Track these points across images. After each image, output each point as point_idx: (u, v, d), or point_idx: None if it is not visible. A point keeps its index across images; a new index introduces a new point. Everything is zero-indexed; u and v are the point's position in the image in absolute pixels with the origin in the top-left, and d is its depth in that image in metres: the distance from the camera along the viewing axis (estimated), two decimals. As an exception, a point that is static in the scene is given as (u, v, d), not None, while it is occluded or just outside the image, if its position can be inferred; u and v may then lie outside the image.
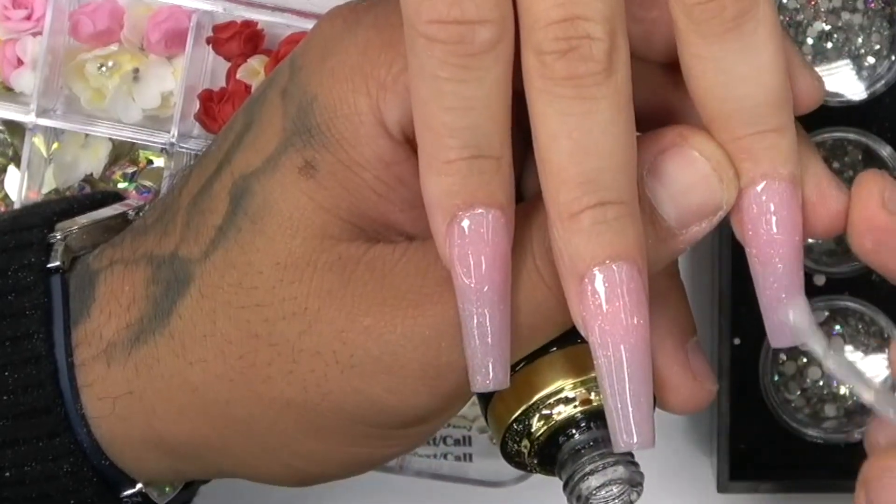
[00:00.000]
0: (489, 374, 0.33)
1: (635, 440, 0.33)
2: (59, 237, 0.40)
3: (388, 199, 0.35)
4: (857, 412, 0.61)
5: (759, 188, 0.34)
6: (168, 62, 0.58)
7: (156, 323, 0.37)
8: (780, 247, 0.34)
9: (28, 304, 0.39)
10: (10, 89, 0.59)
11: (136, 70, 0.57)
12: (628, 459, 0.36)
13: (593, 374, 0.36)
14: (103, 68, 0.57)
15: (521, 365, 0.36)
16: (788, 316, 0.34)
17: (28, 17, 0.57)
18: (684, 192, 0.34)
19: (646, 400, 0.33)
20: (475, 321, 0.33)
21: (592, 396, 0.36)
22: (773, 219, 0.34)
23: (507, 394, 0.37)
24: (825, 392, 0.61)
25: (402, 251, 0.35)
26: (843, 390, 0.61)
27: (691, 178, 0.34)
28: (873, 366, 0.61)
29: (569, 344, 0.36)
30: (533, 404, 0.37)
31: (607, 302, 0.32)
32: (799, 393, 0.61)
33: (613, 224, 0.32)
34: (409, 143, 0.35)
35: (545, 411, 0.37)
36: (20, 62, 0.58)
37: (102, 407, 0.38)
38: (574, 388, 0.37)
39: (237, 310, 0.36)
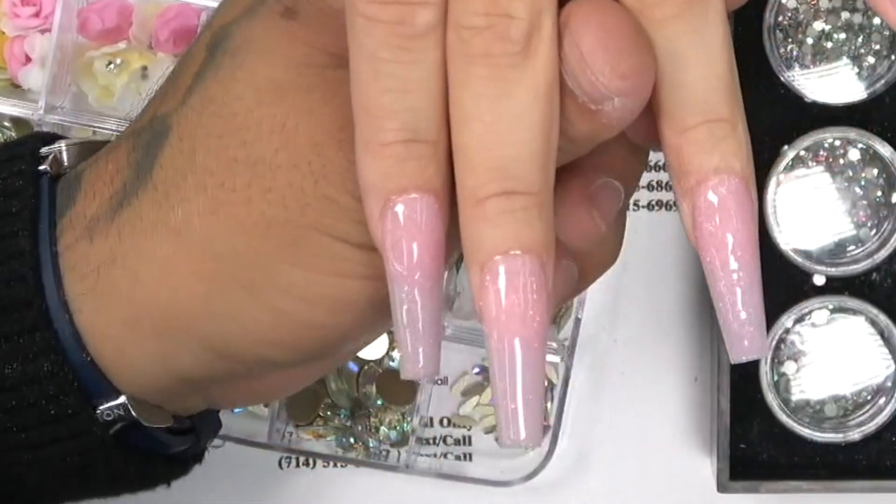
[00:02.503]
0: (419, 362, 0.33)
1: (522, 436, 0.32)
2: (53, 150, 0.40)
3: None
4: (857, 412, 0.61)
5: (711, 184, 0.33)
6: (176, 60, 0.58)
7: (139, 183, 0.37)
8: (735, 249, 0.33)
9: (17, 205, 0.39)
10: (17, 86, 0.59)
11: (145, 68, 0.57)
12: None
13: None
14: (111, 66, 0.57)
15: None
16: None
17: (36, 14, 0.57)
18: (589, 55, 0.31)
19: (536, 397, 0.32)
20: (405, 307, 0.32)
21: None
22: (729, 218, 0.33)
23: None
24: (826, 392, 0.61)
25: None
26: (843, 390, 0.61)
27: (597, 38, 0.31)
28: (874, 365, 0.61)
29: None
30: None
31: (505, 294, 0.31)
32: (799, 393, 0.61)
33: (520, 214, 0.31)
34: None
35: None
36: (28, 59, 0.58)
37: (84, 285, 0.38)
38: None
39: (216, 139, 0.36)
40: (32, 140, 0.41)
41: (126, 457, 0.41)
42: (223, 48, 0.36)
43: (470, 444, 0.63)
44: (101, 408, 0.40)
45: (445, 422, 0.62)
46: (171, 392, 0.40)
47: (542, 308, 0.32)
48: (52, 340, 0.38)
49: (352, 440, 0.61)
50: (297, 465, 0.62)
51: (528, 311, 0.32)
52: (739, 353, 0.33)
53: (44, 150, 0.41)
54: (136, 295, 0.38)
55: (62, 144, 0.41)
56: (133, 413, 0.40)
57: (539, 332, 0.32)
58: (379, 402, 0.61)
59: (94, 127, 0.58)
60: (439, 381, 0.62)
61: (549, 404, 0.61)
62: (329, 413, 0.61)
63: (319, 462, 0.62)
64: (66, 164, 0.41)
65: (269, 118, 0.35)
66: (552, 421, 0.59)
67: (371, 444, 0.61)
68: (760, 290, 0.33)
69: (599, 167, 0.36)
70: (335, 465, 0.62)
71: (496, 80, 0.31)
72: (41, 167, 0.40)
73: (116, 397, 0.40)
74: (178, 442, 0.43)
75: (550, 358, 0.60)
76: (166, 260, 0.37)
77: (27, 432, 0.40)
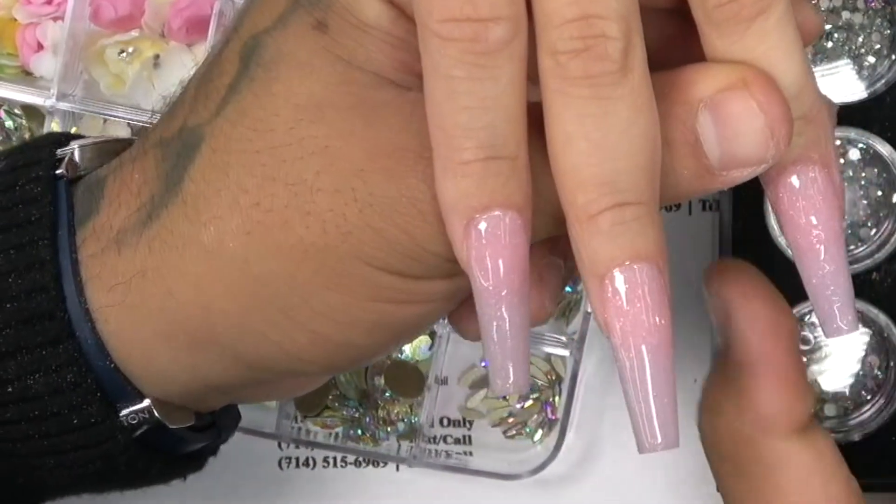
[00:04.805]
0: (509, 377, 0.33)
1: (660, 441, 0.33)
2: (66, 152, 0.40)
3: (406, 48, 0.35)
4: (857, 412, 0.61)
5: (792, 177, 0.35)
6: (189, 49, 0.58)
7: (168, 196, 0.37)
8: (819, 233, 0.35)
9: (35, 212, 0.38)
10: (29, 73, 0.59)
11: (157, 56, 0.57)
12: None
13: None
14: (123, 54, 0.57)
15: None
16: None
17: (49, 2, 0.57)
18: (733, 139, 0.33)
19: (669, 400, 0.33)
20: (494, 324, 0.33)
21: None
22: (810, 205, 0.35)
23: None
24: (825, 392, 0.61)
25: None
26: (842, 390, 0.61)
27: (744, 127, 0.33)
28: (874, 365, 0.61)
29: None
30: None
31: (628, 303, 0.32)
32: (799, 392, 0.61)
33: (633, 225, 0.32)
34: (399, 7, 0.35)
35: None
36: (40, 46, 0.58)
37: (112, 297, 0.37)
38: None
39: (252, 155, 0.35)
40: (48, 143, 0.41)
41: (148, 460, 0.41)
42: (256, 60, 0.36)
43: (470, 443, 0.62)
44: (125, 412, 0.39)
45: (446, 421, 0.62)
46: (197, 395, 0.40)
47: (666, 312, 0.33)
48: (74, 352, 0.38)
49: (360, 431, 0.61)
50: (297, 466, 0.62)
51: (653, 318, 0.33)
52: (832, 332, 0.36)
53: (58, 152, 0.40)
54: (167, 309, 0.37)
55: (75, 146, 0.40)
56: (157, 415, 0.40)
57: (665, 336, 0.33)
58: (387, 394, 0.61)
59: (106, 115, 0.57)
60: (440, 382, 0.62)
61: (557, 398, 0.61)
62: (337, 404, 0.61)
63: (319, 462, 0.62)
64: (81, 165, 0.40)
65: (310, 138, 0.35)
66: (560, 415, 0.59)
67: (379, 436, 0.61)
68: (846, 271, 0.35)
69: (544, 246, 0.37)
70: (335, 465, 0.62)
71: (599, 98, 0.32)
72: (57, 171, 0.40)
73: (140, 401, 0.39)
74: (200, 438, 0.43)
75: (559, 352, 0.60)
76: (199, 278, 0.36)
77: (50, 439, 0.39)
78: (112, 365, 0.38)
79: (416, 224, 0.34)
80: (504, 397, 0.62)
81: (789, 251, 0.59)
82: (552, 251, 0.37)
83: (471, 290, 0.34)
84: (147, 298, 0.37)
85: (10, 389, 0.38)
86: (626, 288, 0.32)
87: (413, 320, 0.37)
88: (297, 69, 0.35)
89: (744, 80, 0.33)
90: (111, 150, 0.41)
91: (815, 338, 0.61)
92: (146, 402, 0.39)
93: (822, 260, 0.35)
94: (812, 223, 0.35)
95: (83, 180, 0.40)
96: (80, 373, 0.38)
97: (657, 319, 0.33)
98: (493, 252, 0.33)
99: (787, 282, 0.61)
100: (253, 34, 0.36)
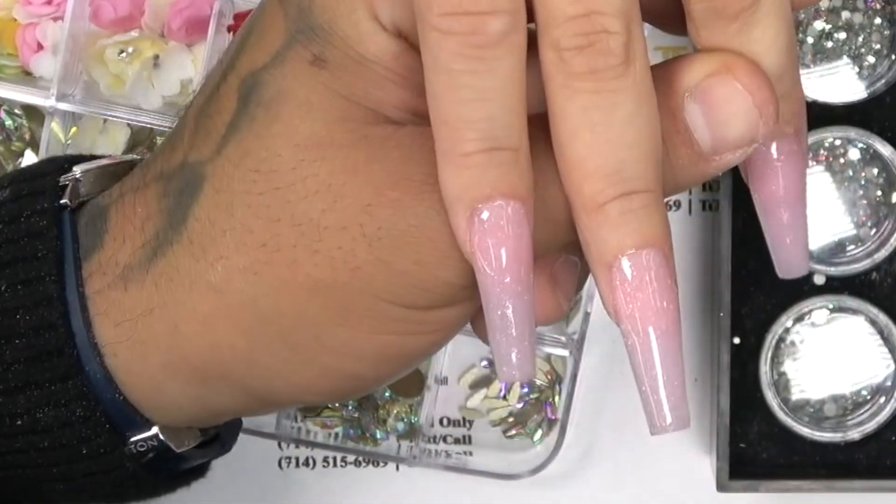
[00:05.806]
0: (514, 365, 0.34)
1: (670, 422, 0.33)
2: (69, 178, 0.40)
3: (405, 86, 0.35)
4: (857, 412, 0.61)
5: (769, 149, 0.35)
6: (188, 50, 0.58)
7: (173, 234, 0.37)
8: (787, 195, 0.36)
9: (41, 247, 0.39)
10: (28, 74, 0.59)
11: (157, 57, 0.57)
12: None
13: None
14: (123, 54, 0.57)
15: None
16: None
17: (49, 2, 0.57)
18: (723, 123, 0.34)
19: (679, 382, 0.33)
20: (498, 313, 0.33)
21: None
22: (783, 173, 0.36)
23: None
24: (825, 392, 0.61)
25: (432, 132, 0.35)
26: (842, 390, 0.61)
27: (732, 110, 0.34)
28: (874, 365, 0.61)
29: None
30: None
31: (637, 289, 0.33)
32: (799, 393, 0.61)
33: (639, 212, 0.33)
34: (406, 39, 0.35)
35: None
36: (40, 47, 0.58)
37: (119, 333, 0.38)
38: None
39: (256, 196, 0.35)
40: (51, 170, 0.41)
41: (156, 481, 0.41)
42: (256, 99, 0.36)
43: (470, 443, 0.62)
44: (133, 440, 0.40)
45: (446, 421, 0.63)
46: (204, 420, 0.41)
47: (673, 296, 0.33)
48: (83, 387, 0.38)
49: (359, 431, 0.61)
50: (297, 466, 0.62)
51: (661, 302, 0.33)
52: (787, 273, 0.37)
53: (61, 179, 0.40)
54: (175, 345, 0.37)
55: (77, 172, 0.40)
56: (166, 441, 0.40)
57: (674, 319, 0.33)
58: (387, 394, 0.61)
59: (106, 115, 0.57)
60: (440, 382, 0.62)
61: (556, 398, 0.61)
62: (337, 404, 0.61)
63: (319, 462, 0.62)
64: (83, 191, 0.40)
65: (312, 177, 0.35)
66: (560, 415, 0.60)
67: (378, 436, 0.61)
68: (805, 227, 0.37)
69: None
70: (335, 465, 0.62)
71: (602, 92, 0.32)
72: (61, 201, 0.40)
73: (148, 429, 0.40)
74: (206, 454, 0.43)
75: (559, 352, 0.60)
76: (207, 316, 0.37)
77: (59, 468, 0.40)
78: (121, 397, 0.39)
79: (427, 252, 0.34)
80: (504, 397, 0.62)
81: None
82: (566, 248, 0.38)
83: (476, 310, 0.34)
84: (154, 335, 0.37)
85: (19, 422, 0.39)
86: (634, 274, 0.33)
87: (421, 349, 0.37)
88: (297, 107, 0.35)
89: (726, 66, 0.34)
90: (112, 173, 0.41)
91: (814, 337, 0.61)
92: (154, 430, 0.40)
93: (786, 219, 0.36)
94: (782, 187, 0.36)
95: (85, 209, 0.40)
96: (88, 406, 0.38)
97: (664, 304, 0.33)
98: (495, 241, 0.33)
99: (786, 281, 0.61)
100: (251, 71, 0.36)
